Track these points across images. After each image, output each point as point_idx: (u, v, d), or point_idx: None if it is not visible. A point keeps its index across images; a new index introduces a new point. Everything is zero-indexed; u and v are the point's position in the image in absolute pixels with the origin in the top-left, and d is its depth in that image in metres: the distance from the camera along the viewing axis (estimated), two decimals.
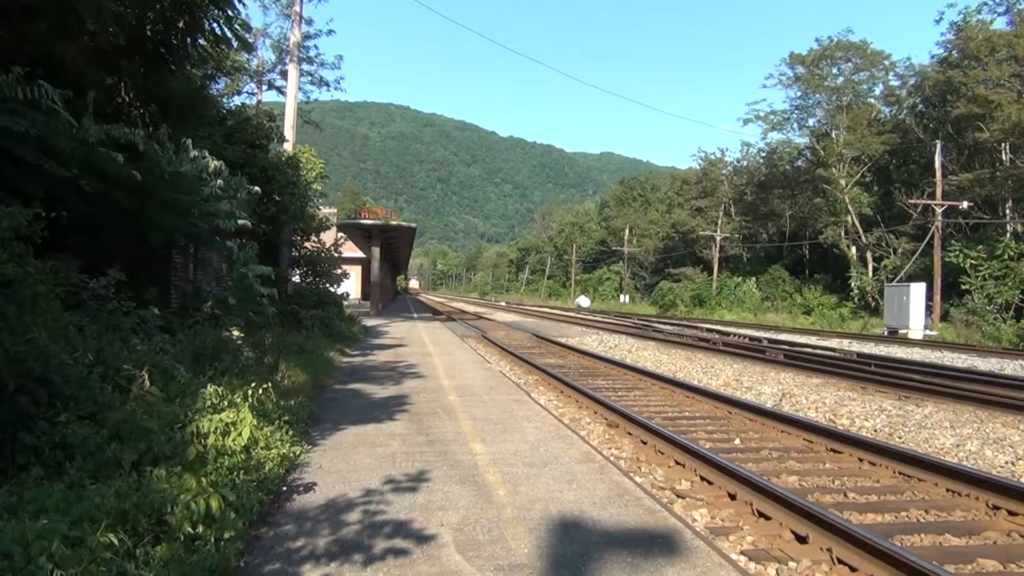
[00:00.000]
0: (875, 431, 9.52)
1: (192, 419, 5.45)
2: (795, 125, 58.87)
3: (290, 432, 6.68)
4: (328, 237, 24.71)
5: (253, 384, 6.85)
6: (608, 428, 9.23)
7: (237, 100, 26.72)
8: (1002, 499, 5.88)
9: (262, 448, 5.78)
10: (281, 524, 4.69)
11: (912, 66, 50.82)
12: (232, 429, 5.54)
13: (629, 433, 8.71)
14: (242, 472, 5.06)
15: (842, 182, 49.70)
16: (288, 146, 20.07)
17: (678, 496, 6.27)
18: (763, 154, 63.77)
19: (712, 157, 74.99)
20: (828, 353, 19.96)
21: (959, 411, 10.79)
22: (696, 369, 16.37)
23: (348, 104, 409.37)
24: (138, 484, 4.26)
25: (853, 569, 4.53)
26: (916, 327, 30.38)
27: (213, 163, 9.70)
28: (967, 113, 40.71)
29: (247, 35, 10.97)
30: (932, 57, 48.59)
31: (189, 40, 9.56)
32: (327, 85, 28.41)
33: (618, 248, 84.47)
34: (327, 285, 22.95)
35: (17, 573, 3.00)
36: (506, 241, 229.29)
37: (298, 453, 6.44)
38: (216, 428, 5.41)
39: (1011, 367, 17.77)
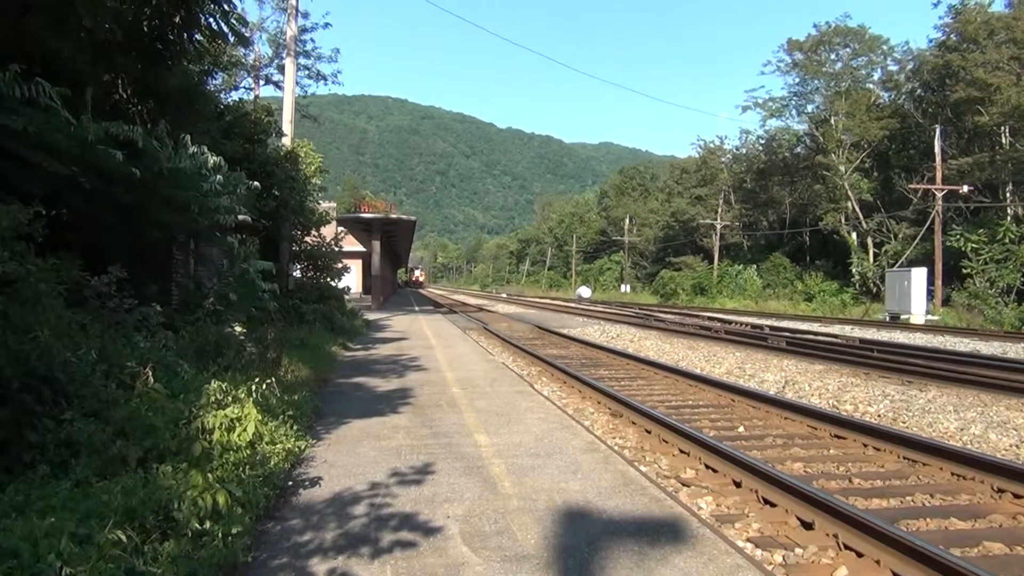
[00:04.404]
0: (879, 416, 9.53)
1: (197, 415, 5.45)
2: (794, 112, 58.74)
3: (294, 427, 6.68)
4: (328, 231, 24.65)
5: (256, 379, 6.86)
6: (612, 418, 9.24)
7: (235, 95, 26.58)
8: (1007, 482, 5.88)
9: (267, 443, 5.78)
10: (288, 519, 4.69)
11: (910, 50, 50.67)
12: (237, 425, 5.54)
13: (633, 423, 8.72)
14: (248, 467, 5.06)
15: (842, 168, 49.53)
16: (287, 141, 20.00)
17: (683, 484, 6.28)
18: (762, 141, 63.54)
19: (711, 145, 74.82)
20: (830, 339, 19.97)
21: (962, 395, 10.79)
22: (698, 358, 16.37)
23: (346, 98, 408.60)
24: (144, 481, 4.28)
25: (859, 555, 4.53)
26: (918, 312, 30.36)
27: (212, 159, 9.65)
28: (966, 97, 40.53)
29: (243, 29, 10.91)
30: (930, 41, 48.27)
31: (186, 35, 9.51)
32: (324, 79, 28.20)
33: (618, 238, 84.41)
34: (328, 279, 22.93)
35: (26, 571, 3.00)
36: (506, 233, 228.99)
37: (303, 448, 6.45)
38: (221, 424, 5.42)
39: (1014, 350, 17.76)
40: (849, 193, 49.40)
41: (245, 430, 5.53)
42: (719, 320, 29.34)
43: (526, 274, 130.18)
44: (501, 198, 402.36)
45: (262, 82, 28.69)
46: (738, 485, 6.09)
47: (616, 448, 7.16)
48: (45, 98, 6.43)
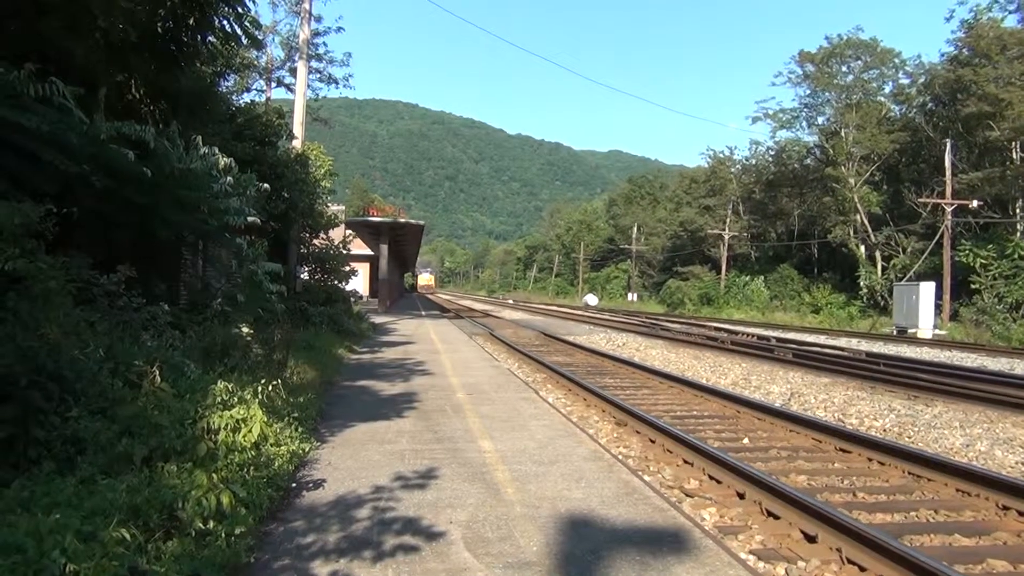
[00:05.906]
0: (884, 431, 9.49)
1: (202, 415, 5.47)
2: (804, 123, 58.50)
3: (299, 429, 6.69)
4: (336, 234, 24.73)
5: (263, 381, 6.86)
6: (616, 426, 9.22)
7: (246, 97, 26.72)
8: (1012, 499, 5.84)
9: (272, 444, 5.79)
10: (291, 520, 4.71)
11: (922, 64, 50.48)
12: (242, 425, 5.55)
13: (637, 432, 8.70)
14: (252, 468, 5.07)
15: (851, 181, 49.37)
16: (297, 143, 20.11)
17: (687, 495, 6.26)
18: (772, 152, 63.32)
19: (721, 155, 74.41)
20: (837, 352, 19.88)
21: (969, 411, 10.73)
22: (704, 368, 16.34)
23: (357, 101, 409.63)
24: (149, 479, 4.30)
25: (863, 569, 4.51)
26: (925, 326, 30.20)
27: (223, 160, 9.71)
28: (977, 112, 40.38)
29: (257, 32, 10.99)
30: (942, 55, 48.07)
31: (199, 37, 9.56)
32: (336, 83, 28.31)
33: (626, 246, 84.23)
34: (335, 282, 22.99)
35: (31, 567, 3.02)
36: (514, 239, 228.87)
37: (307, 450, 6.46)
38: (226, 424, 5.43)
39: (1021, 367, 17.65)
40: (858, 206, 49.24)
41: (250, 431, 5.54)
42: (726, 331, 29.25)
43: (533, 280, 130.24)
44: (509, 204, 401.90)
45: (274, 85, 28.80)
46: (742, 497, 6.07)
47: (620, 457, 7.15)
48: (59, 97, 6.49)
